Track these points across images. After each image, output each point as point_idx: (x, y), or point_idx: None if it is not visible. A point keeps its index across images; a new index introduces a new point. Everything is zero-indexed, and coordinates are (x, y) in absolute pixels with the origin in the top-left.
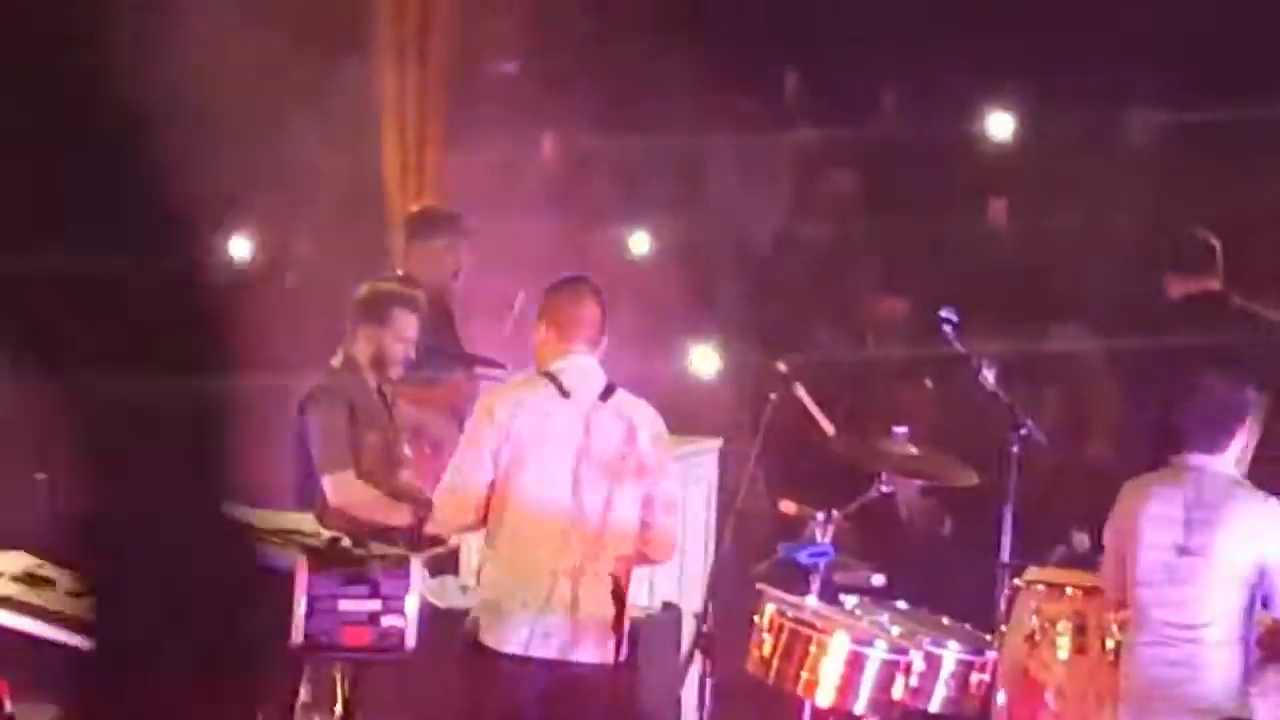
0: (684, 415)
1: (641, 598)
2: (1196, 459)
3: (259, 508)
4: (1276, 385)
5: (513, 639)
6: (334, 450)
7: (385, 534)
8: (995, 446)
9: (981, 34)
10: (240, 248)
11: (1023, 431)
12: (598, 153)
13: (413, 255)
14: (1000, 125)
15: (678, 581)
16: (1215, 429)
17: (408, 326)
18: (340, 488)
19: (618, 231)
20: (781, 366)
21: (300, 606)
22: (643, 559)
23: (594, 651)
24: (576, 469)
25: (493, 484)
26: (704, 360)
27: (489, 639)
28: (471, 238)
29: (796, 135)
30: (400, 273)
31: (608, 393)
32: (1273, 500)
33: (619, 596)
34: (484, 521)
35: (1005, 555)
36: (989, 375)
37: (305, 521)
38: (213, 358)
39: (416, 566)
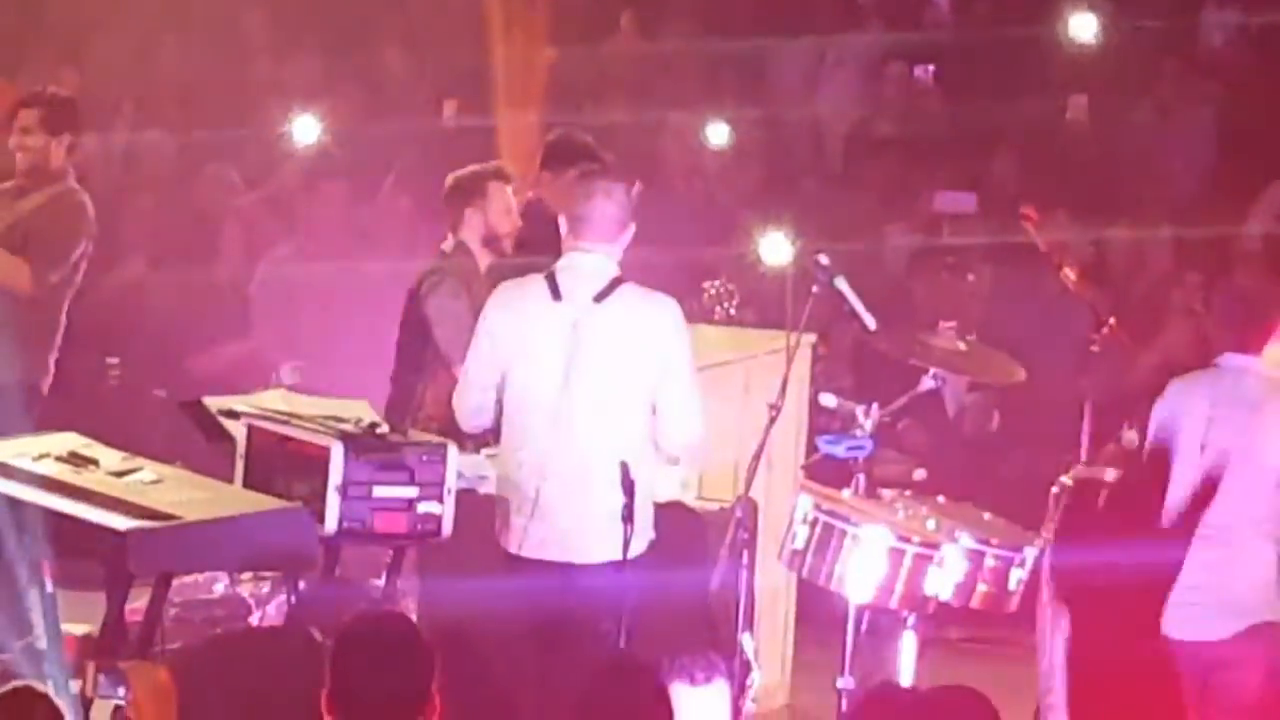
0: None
1: (722, 491)
2: (1234, 360)
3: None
4: None
5: (511, 539)
6: (466, 338)
7: None
8: (1068, 343)
9: None
10: (306, 130)
11: (1104, 330)
12: (677, 47)
13: (545, 182)
14: (1081, 25)
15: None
16: (1246, 328)
17: (506, 197)
18: None
19: (695, 121)
20: (823, 259)
21: (334, 493)
22: (664, 455)
23: (589, 552)
24: (567, 371)
25: (495, 385)
26: (774, 249)
27: (499, 536)
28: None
29: (870, 33)
30: (531, 195)
31: (605, 292)
32: None
33: (628, 488)
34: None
35: (1084, 454)
36: (1070, 272)
37: (345, 408)
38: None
39: (453, 453)
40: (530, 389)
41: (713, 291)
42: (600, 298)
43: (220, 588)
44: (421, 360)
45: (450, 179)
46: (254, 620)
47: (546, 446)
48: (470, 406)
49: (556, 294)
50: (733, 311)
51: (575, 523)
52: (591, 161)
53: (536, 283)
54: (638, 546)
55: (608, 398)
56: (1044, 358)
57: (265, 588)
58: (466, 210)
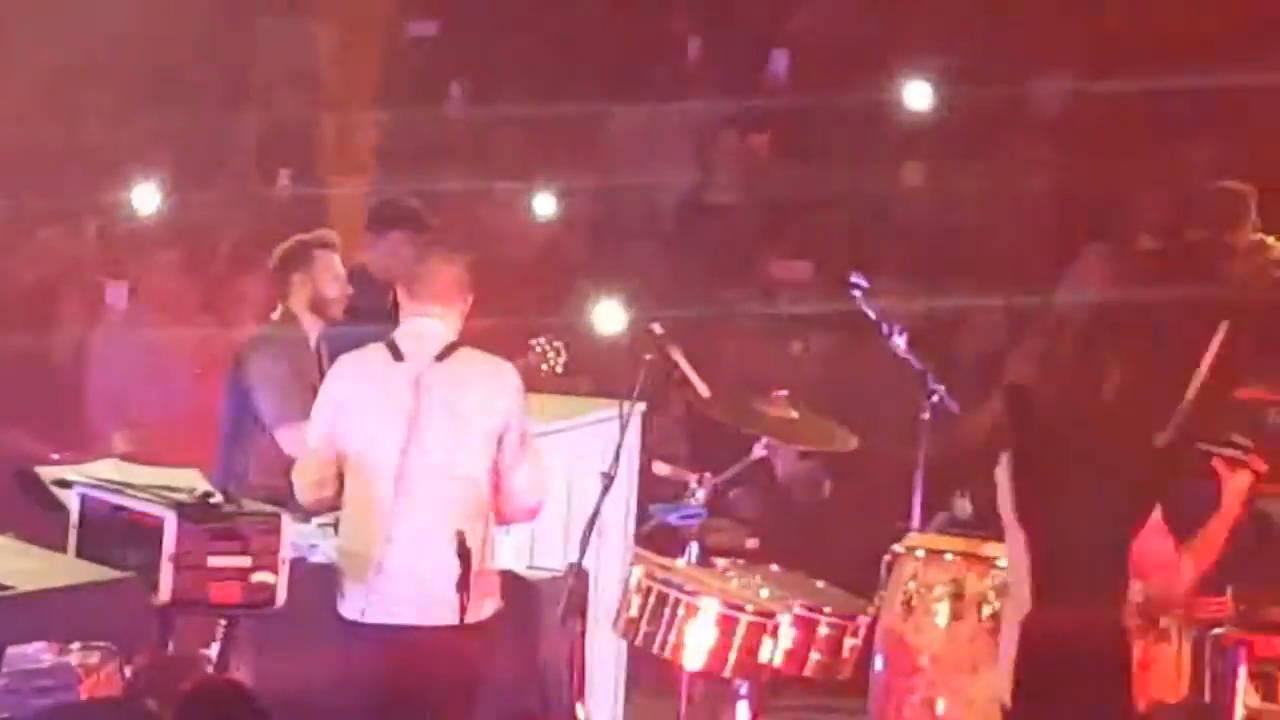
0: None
1: (552, 559)
2: None
3: (149, 463)
4: None
5: (351, 605)
6: (287, 401)
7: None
8: (901, 411)
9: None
10: (144, 198)
11: (934, 398)
12: (506, 114)
13: (370, 246)
14: (916, 93)
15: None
16: None
17: (332, 263)
18: (298, 439)
19: (523, 193)
20: (656, 328)
21: (167, 563)
22: (502, 518)
23: (434, 615)
24: (408, 433)
25: (336, 459)
26: (608, 317)
27: (338, 603)
28: (431, 232)
29: (704, 100)
30: (357, 261)
31: (446, 353)
32: None
33: (463, 556)
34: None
35: (916, 521)
36: (900, 341)
37: (177, 477)
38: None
39: (287, 522)
40: (373, 451)
41: (539, 349)
42: (441, 357)
43: (48, 657)
44: (246, 428)
45: (276, 250)
46: (84, 690)
47: (389, 509)
48: (311, 480)
49: (398, 355)
50: (559, 369)
51: (418, 585)
52: (416, 224)
53: (376, 348)
54: (483, 611)
55: (449, 458)
56: (875, 426)
57: (94, 657)
58: (293, 278)
